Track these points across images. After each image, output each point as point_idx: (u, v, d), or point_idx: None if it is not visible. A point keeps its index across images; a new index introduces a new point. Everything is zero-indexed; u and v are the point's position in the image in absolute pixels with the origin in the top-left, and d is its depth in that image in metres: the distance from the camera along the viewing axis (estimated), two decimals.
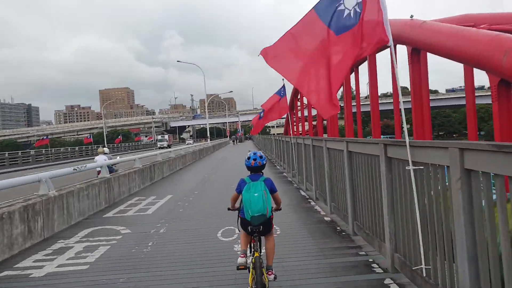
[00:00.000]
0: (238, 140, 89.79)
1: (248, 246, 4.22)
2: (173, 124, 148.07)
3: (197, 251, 6.04)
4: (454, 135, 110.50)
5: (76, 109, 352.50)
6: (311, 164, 10.11)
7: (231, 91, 55.27)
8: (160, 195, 12.10)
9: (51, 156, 48.13)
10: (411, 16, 19.00)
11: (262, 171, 4.28)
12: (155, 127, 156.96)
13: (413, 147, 3.85)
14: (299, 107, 49.99)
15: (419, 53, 17.65)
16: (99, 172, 12.95)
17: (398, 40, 19.34)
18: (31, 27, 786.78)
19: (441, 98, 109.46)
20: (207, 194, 11.91)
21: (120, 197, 11.76)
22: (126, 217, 9.12)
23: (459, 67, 24.08)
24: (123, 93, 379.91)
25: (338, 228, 6.94)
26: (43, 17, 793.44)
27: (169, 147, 64.50)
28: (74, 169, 9.69)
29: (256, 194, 3.92)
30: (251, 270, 3.99)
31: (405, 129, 4.44)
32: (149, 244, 6.58)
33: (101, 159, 12.80)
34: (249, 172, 4.23)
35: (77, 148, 61.91)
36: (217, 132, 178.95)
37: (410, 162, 3.84)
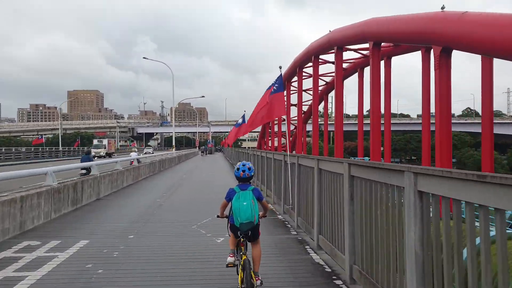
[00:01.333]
0: (207, 152, 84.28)
1: (236, 248, 4.52)
2: (140, 130, 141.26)
3: None
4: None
5: (41, 108, 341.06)
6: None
7: (203, 96, 50.07)
8: (69, 240, 7.21)
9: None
10: (442, 8, 14.93)
11: (250, 181, 4.51)
12: (122, 132, 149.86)
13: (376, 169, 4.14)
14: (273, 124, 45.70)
15: (450, 53, 14.14)
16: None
17: (421, 40, 15.28)
18: None
19: (414, 123, 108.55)
20: (148, 243, 7.08)
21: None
22: None
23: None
24: (92, 96, 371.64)
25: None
26: (4, 10, 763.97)
27: (109, 156, 55.58)
28: None
29: (245, 203, 4.18)
30: (240, 271, 4.32)
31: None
32: None
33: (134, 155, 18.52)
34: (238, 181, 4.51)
35: (29, 149, 55.20)
36: (187, 142, 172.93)
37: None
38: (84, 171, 14.86)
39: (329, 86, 40.95)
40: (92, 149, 53.06)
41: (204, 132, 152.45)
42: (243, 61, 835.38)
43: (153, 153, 41.73)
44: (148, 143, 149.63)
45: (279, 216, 9.75)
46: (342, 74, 27.23)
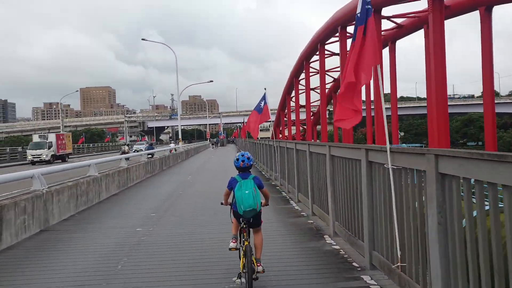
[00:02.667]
0: (219, 144, 79.93)
1: (238, 233, 4.65)
2: (150, 125, 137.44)
3: None
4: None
5: (54, 106, 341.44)
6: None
7: (211, 81, 45.11)
8: None
9: None
10: None
11: (250, 170, 4.63)
12: (133, 127, 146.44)
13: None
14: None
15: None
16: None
17: None
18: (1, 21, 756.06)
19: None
20: None
21: None
22: None
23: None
24: (104, 92, 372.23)
25: None
26: (11, 9, 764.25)
27: (62, 160, 39.51)
28: None
29: (247, 192, 4.34)
30: (241, 256, 4.47)
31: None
32: None
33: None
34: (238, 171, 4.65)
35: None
36: (198, 134, 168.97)
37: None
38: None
39: None
40: (28, 151, 38.85)
41: (215, 124, 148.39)
42: (250, 51, 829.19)
43: (149, 149, 32.67)
44: (160, 137, 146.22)
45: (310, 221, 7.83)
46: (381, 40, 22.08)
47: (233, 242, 4.61)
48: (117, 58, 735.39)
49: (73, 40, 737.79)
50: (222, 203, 4.94)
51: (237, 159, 4.64)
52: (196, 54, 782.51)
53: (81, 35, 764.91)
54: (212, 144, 76.84)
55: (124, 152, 31.10)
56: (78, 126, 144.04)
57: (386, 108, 5.37)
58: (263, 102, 14.83)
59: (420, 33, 24.51)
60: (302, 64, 36.94)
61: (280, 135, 57.87)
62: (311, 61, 35.96)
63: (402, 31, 26.06)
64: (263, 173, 19.01)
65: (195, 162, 29.93)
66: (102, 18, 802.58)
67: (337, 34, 26.03)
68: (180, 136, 36.44)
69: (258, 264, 4.45)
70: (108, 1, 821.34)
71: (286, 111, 49.45)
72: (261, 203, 4.57)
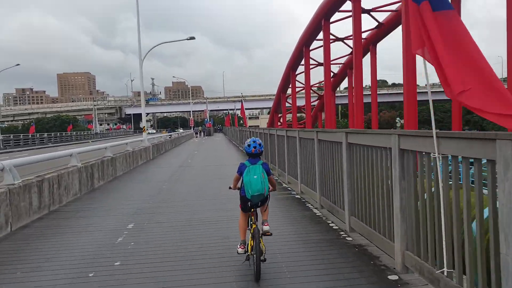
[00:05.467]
0: (205, 133, 68.82)
1: (248, 224, 4.67)
2: (128, 111, 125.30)
3: None
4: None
5: (28, 92, 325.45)
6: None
7: (193, 38, 31.68)
8: None
9: None
10: None
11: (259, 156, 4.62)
12: (109, 113, 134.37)
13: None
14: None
15: None
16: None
17: None
18: None
19: (437, 91, 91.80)
20: None
21: None
22: None
23: None
24: (83, 78, 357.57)
25: None
26: None
27: None
28: None
29: (255, 177, 4.34)
30: (249, 239, 4.47)
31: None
32: None
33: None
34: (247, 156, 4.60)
35: None
36: (182, 122, 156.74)
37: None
38: None
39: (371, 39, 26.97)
40: None
41: (200, 111, 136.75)
42: (233, 37, 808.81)
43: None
44: (141, 126, 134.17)
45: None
46: None
47: (241, 248, 4.57)
48: (94, 43, 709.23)
49: (43, 23, 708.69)
50: (230, 187, 4.91)
51: (249, 145, 4.59)
52: (176, 38, 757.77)
53: (51, 18, 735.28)
54: (196, 134, 65.60)
55: None
56: (48, 113, 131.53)
57: None
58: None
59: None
60: (301, 52, 29.54)
61: (280, 123, 47.44)
62: (311, 48, 29.09)
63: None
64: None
65: (179, 155, 19.46)
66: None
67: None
68: (144, 123, 23.79)
69: (266, 224, 4.61)
70: None
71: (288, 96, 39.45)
72: (269, 188, 4.57)
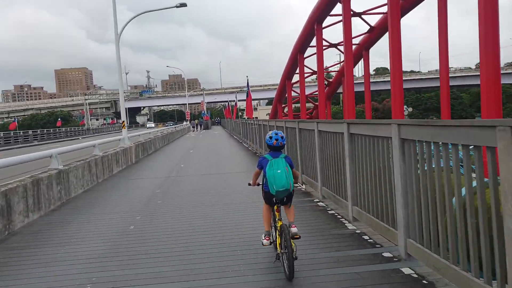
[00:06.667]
0: (203, 126, 64.86)
1: (272, 218, 4.58)
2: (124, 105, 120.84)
3: None
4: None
5: (26, 89, 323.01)
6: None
7: (184, 4, 27.52)
8: None
9: None
10: None
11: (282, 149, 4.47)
12: (105, 108, 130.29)
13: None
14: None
15: None
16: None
17: None
18: None
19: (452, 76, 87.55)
20: None
21: None
22: None
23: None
24: (80, 74, 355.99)
25: None
26: None
27: None
28: None
29: (279, 171, 4.13)
30: (277, 236, 4.32)
31: None
32: None
33: None
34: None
35: None
36: (179, 116, 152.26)
37: None
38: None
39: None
40: None
41: (197, 104, 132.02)
42: (228, 29, 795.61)
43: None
44: (136, 120, 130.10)
45: None
46: None
47: (267, 240, 4.46)
48: (89, 37, 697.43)
49: (36, 19, 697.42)
50: (249, 184, 4.80)
51: (270, 137, 4.42)
52: (170, 32, 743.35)
53: (44, 12, 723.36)
54: (193, 127, 61.64)
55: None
56: (43, 109, 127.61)
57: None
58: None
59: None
60: (312, 30, 26.09)
61: (283, 114, 43.74)
62: (324, 25, 25.93)
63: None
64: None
65: (141, 186, 15.45)
66: None
67: None
68: (124, 116, 18.54)
69: (294, 226, 4.41)
70: None
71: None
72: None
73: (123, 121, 17.33)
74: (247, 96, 16.43)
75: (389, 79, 20.20)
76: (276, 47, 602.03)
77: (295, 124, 9.48)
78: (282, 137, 4.37)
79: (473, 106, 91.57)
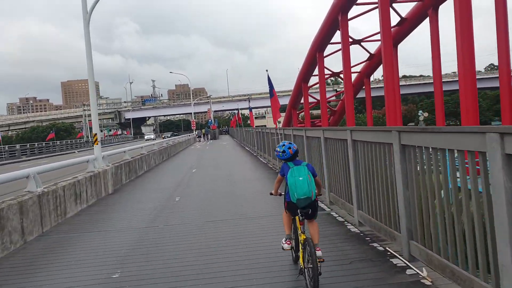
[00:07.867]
0: (210, 136, 60.03)
1: (292, 229, 4.47)
2: (128, 116, 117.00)
3: None
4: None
5: (31, 101, 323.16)
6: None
7: None
8: None
9: None
10: None
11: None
12: (110, 119, 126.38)
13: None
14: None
15: None
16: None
17: None
18: None
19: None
20: None
21: None
22: None
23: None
24: (86, 85, 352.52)
25: None
26: None
27: None
28: None
29: (301, 178, 3.99)
30: (300, 250, 4.09)
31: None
32: None
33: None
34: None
35: None
36: (186, 125, 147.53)
37: None
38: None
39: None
40: None
41: (203, 113, 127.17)
42: (232, 37, 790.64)
43: None
44: (143, 131, 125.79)
45: None
46: None
47: (288, 243, 4.39)
48: (94, 49, 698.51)
49: (41, 32, 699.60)
50: (271, 193, 4.71)
51: (284, 152, 4.25)
52: (176, 42, 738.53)
53: (48, 25, 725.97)
54: (199, 137, 56.79)
55: None
56: (44, 121, 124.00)
57: None
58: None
59: None
60: (335, 22, 22.48)
61: (298, 121, 39.02)
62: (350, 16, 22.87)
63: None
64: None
65: (101, 251, 10.51)
66: (64, 4, 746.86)
67: None
68: (96, 130, 12.54)
69: (318, 249, 4.12)
70: None
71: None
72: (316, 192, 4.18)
73: (95, 134, 12.10)
74: (271, 95, 13.05)
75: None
76: (282, 54, 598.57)
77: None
78: (289, 148, 4.24)
79: (491, 110, 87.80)
